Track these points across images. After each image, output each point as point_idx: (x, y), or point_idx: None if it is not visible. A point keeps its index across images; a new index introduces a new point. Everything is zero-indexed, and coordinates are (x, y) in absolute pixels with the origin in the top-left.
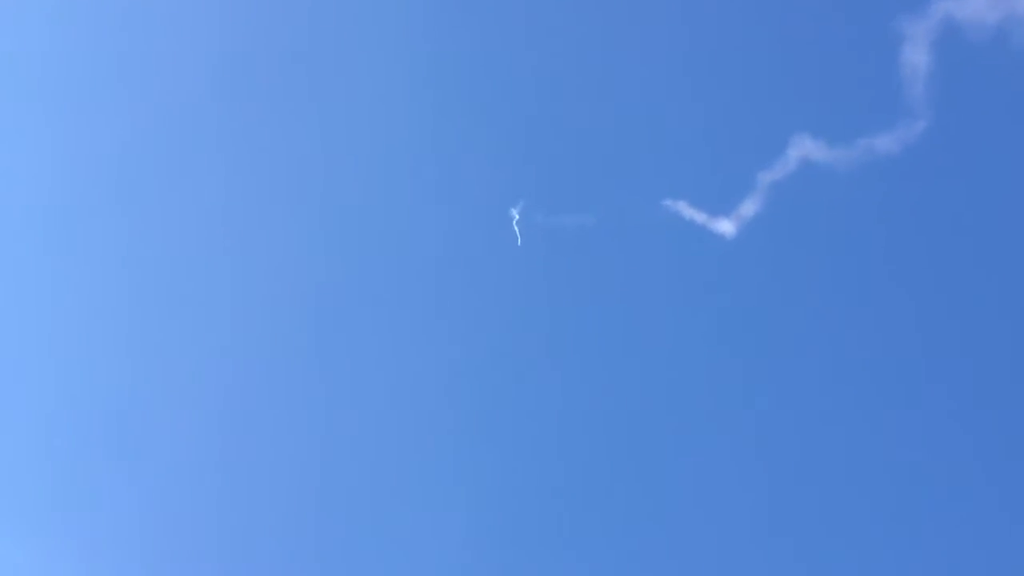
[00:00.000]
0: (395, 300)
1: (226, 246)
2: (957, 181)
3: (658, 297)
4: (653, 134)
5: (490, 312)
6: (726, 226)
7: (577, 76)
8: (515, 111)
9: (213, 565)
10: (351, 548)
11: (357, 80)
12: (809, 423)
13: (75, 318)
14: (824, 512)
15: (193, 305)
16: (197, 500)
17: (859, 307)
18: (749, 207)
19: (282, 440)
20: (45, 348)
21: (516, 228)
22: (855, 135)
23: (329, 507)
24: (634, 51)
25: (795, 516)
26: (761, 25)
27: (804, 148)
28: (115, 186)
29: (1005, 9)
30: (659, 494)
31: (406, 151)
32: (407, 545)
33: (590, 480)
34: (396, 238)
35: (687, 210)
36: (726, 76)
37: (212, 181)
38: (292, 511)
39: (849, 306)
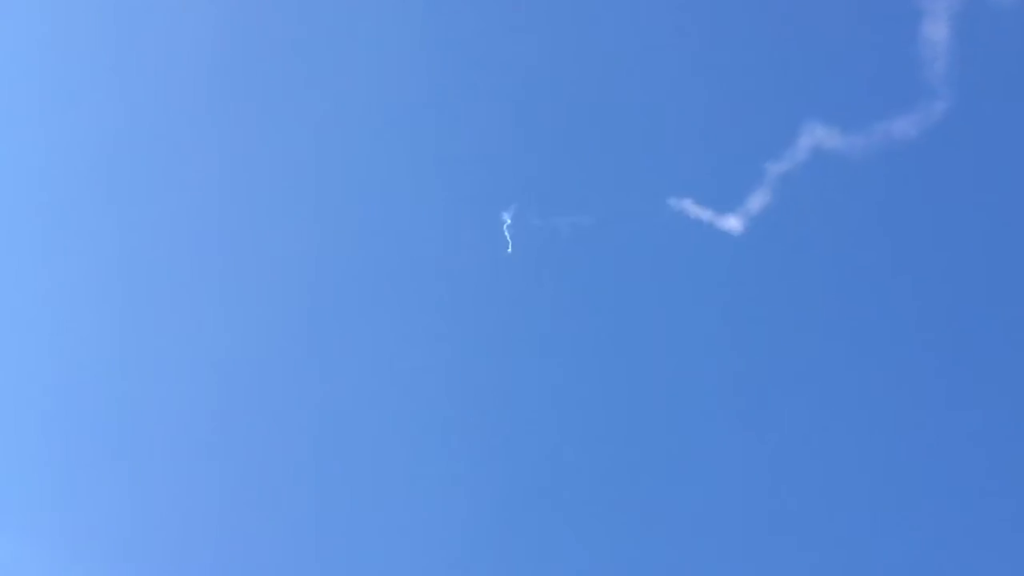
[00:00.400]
0: (388, 303)
1: (217, 251)
2: (981, 167)
3: (663, 301)
4: (653, 125)
5: (491, 317)
6: (732, 223)
7: (573, 66)
8: (509, 107)
9: (211, 565)
10: (348, 548)
11: (345, 72)
12: (824, 427)
13: (71, 317)
14: (843, 516)
15: (183, 306)
16: (195, 500)
17: (876, 306)
18: (757, 201)
19: (275, 442)
20: (43, 347)
21: (507, 233)
22: (870, 120)
23: (322, 509)
24: (631, 37)
25: (813, 520)
26: (766, 2)
27: (815, 136)
28: (110, 184)
29: None
30: (671, 500)
31: (396, 151)
32: (403, 547)
33: (599, 488)
34: (388, 241)
35: (693, 208)
36: (730, 60)
37: (202, 181)
38: (288, 513)
39: (866, 305)
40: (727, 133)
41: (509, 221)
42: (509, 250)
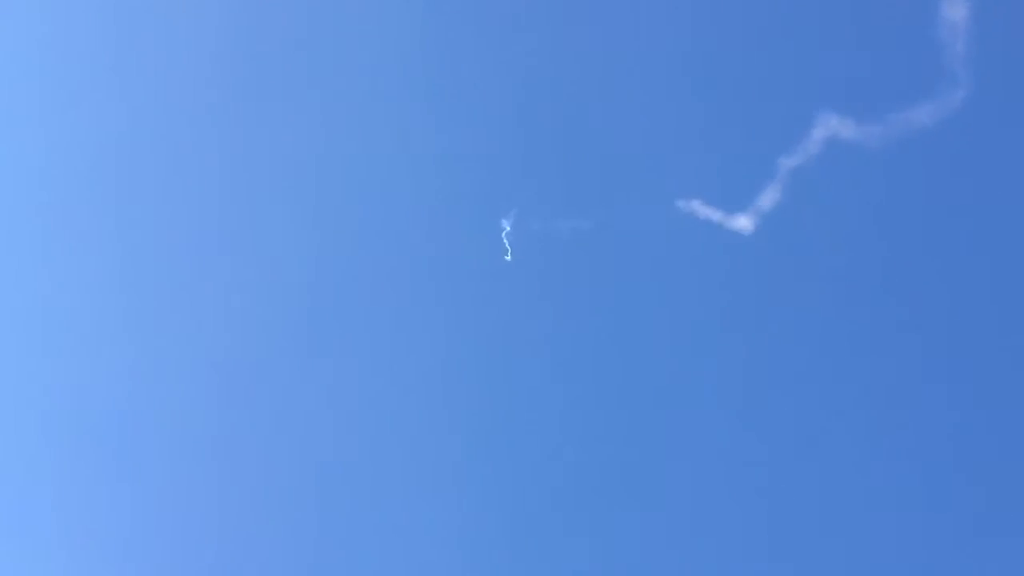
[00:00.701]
0: (385, 312)
1: (211, 258)
2: (1005, 157)
3: (673, 307)
4: (657, 122)
5: (492, 327)
6: (743, 222)
7: (572, 62)
8: (506, 104)
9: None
10: (349, 550)
11: (341, 74)
12: (844, 432)
13: (72, 318)
14: (862, 517)
15: (180, 308)
16: (194, 502)
17: (897, 306)
18: (768, 198)
19: (272, 449)
20: (44, 347)
21: (506, 241)
22: (887, 109)
23: (322, 512)
24: (631, 30)
25: (830, 522)
26: None
27: (829, 127)
28: (111, 183)
29: None
30: (688, 506)
31: (392, 155)
32: (404, 549)
33: (614, 495)
34: (385, 248)
35: (701, 209)
36: (736, 49)
37: (197, 186)
38: (290, 515)
39: (886, 305)
40: (735, 127)
41: (508, 228)
42: (508, 258)
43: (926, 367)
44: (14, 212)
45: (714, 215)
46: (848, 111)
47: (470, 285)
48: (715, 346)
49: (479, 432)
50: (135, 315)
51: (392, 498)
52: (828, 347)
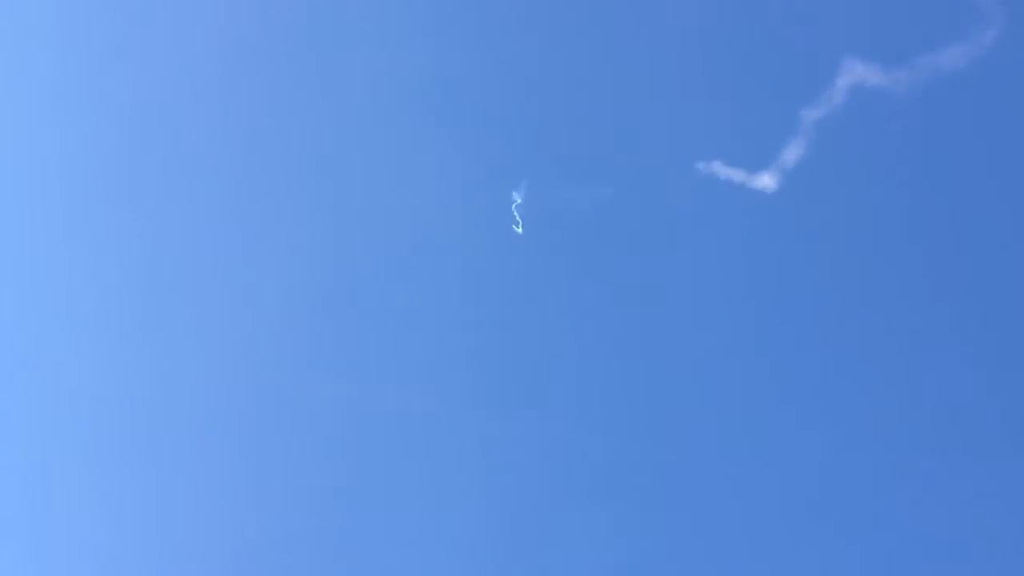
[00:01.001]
0: (404, 290)
1: (231, 218)
2: None
3: (696, 274)
4: (672, 80)
5: (508, 303)
6: (767, 180)
7: (583, 16)
8: (516, 72)
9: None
10: (356, 550)
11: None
12: (877, 396)
13: (80, 318)
14: (889, 486)
15: (190, 303)
16: (206, 502)
17: (928, 261)
18: (792, 154)
19: (281, 438)
20: (50, 346)
21: (516, 213)
22: (914, 52)
23: (332, 507)
24: None
25: (860, 495)
26: None
27: (854, 74)
28: (117, 183)
29: None
30: (716, 482)
31: (401, 127)
32: (414, 547)
33: (640, 473)
34: (397, 224)
35: (723, 170)
36: None
37: (209, 166)
38: (294, 513)
39: (917, 261)
40: (754, 79)
41: (519, 200)
42: (519, 230)
43: (959, 324)
44: (26, 212)
45: (736, 175)
46: (873, 56)
47: (484, 262)
48: (741, 313)
49: (494, 413)
50: (151, 309)
51: (403, 480)
52: (860, 309)
